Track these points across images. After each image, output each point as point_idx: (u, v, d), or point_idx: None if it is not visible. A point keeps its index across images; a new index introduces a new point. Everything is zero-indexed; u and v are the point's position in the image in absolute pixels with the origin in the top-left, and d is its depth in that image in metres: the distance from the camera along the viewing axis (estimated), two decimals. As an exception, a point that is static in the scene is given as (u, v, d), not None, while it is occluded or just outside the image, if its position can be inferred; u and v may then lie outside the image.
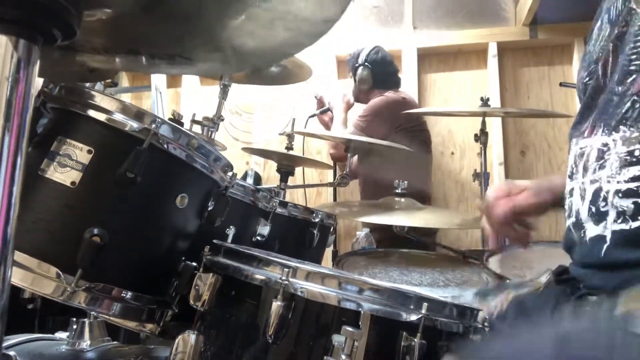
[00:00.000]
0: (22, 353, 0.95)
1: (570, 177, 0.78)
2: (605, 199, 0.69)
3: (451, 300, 0.84)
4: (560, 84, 2.62)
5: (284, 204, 1.28)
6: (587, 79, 0.80)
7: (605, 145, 0.71)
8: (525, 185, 0.94)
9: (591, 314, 0.66)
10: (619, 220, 0.66)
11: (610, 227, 0.67)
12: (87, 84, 0.96)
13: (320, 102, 2.80)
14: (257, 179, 2.61)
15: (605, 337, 0.49)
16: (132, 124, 0.83)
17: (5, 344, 0.96)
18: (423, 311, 0.72)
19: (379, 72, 2.58)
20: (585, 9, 2.63)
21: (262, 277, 0.77)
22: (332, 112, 2.73)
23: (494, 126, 2.82)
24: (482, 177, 2.19)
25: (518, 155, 2.89)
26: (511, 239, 0.97)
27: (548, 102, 2.91)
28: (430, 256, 1.62)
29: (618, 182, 0.67)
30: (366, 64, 2.58)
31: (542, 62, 2.96)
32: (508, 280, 1.27)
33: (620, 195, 0.67)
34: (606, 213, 0.68)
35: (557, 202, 0.91)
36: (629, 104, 0.68)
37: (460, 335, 0.77)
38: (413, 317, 0.72)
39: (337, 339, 0.69)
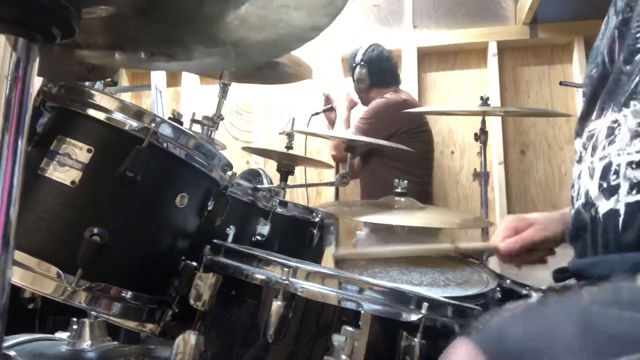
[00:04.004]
0: (22, 353, 0.95)
1: (579, 161, 0.77)
2: (616, 172, 0.66)
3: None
4: (561, 83, 2.62)
5: (283, 204, 1.28)
6: (594, 71, 0.79)
7: (615, 121, 0.69)
8: (534, 219, 0.95)
9: (611, 288, 0.64)
10: (634, 192, 0.64)
11: (623, 199, 0.65)
12: (87, 83, 0.96)
13: (327, 100, 2.79)
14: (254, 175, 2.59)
15: (631, 313, 0.47)
16: (132, 123, 0.83)
17: (5, 344, 0.96)
18: (423, 311, 0.72)
19: (376, 70, 2.57)
20: (585, 8, 2.63)
21: (263, 277, 0.77)
22: (335, 110, 2.73)
23: (494, 125, 2.82)
24: (482, 176, 2.19)
25: (518, 155, 2.89)
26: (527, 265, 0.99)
27: (548, 101, 2.91)
28: (430, 256, 1.62)
29: (629, 153, 0.65)
30: (362, 62, 2.57)
31: (542, 61, 2.96)
32: (507, 281, 1.26)
33: (633, 166, 0.64)
34: (618, 186, 0.66)
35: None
36: (637, 79, 0.67)
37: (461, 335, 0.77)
38: (413, 317, 0.72)
39: (337, 338, 0.69)
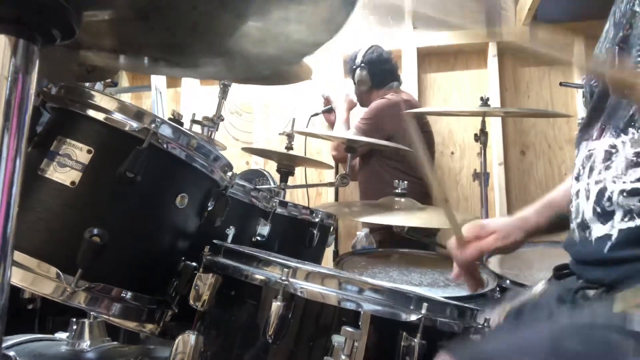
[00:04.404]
0: (22, 353, 0.95)
1: (577, 178, 0.79)
2: (609, 199, 0.69)
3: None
4: (561, 84, 2.62)
5: (283, 204, 1.28)
6: (594, 81, 0.80)
7: (613, 147, 0.71)
8: (495, 227, 0.97)
9: (588, 311, 0.66)
10: (626, 219, 0.67)
11: (617, 225, 0.68)
12: (87, 84, 0.96)
13: (327, 101, 2.79)
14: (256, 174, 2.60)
15: (601, 333, 0.49)
16: (132, 124, 0.83)
17: (5, 344, 0.96)
18: (423, 311, 0.72)
19: (376, 71, 2.57)
20: (585, 9, 2.63)
21: (262, 277, 0.77)
22: (334, 111, 2.73)
23: (494, 126, 2.82)
24: (482, 177, 2.19)
25: (518, 155, 2.89)
26: (468, 282, 1.01)
27: (548, 102, 2.91)
28: (430, 256, 1.62)
29: (624, 182, 0.68)
30: (362, 64, 2.57)
31: (542, 62, 2.96)
32: (507, 281, 1.26)
33: (625, 194, 0.67)
34: (612, 212, 0.69)
35: (532, 235, 0.95)
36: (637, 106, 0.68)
37: (460, 336, 0.77)
38: (413, 318, 0.72)
39: (337, 339, 0.69)
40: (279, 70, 1.40)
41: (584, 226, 0.74)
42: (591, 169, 0.74)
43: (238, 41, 0.55)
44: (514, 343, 0.54)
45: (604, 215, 0.70)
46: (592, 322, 0.54)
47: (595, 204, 0.72)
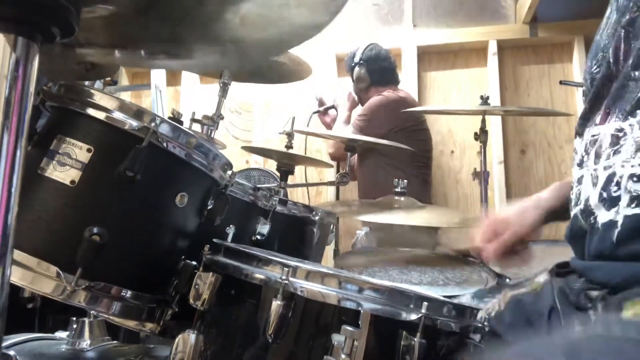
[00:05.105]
0: (22, 352, 0.95)
1: (580, 165, 0.76)
2: (618, 184, 0.66)
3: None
4: (561, 82, 2.62)
5: (283, 202, 1.28)
6: (596, 68, 0.78)
7: (621, 130, 0.68)
8: (510, 219, 0.97)
9: (600, 320, 0.64)
10: (633, 205, 0.64)
11: (622, 211, 0.65)
12: (87, 82, 0.96)
13: (321, 103, 2.80)
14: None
15: (617, 345, 0.47)
16: (132, 123, 0.83)
17: (5, 343, 0.96)
18: (423, 310, 0.72)
19: (375, 68, 2.58)
20: (585, 7, 2.63)
21: (262, 277, 0.77)
22: (336, 109, 2.73)
23: (494, 125, 2.81)
24: (482, 175, 2.19)
25: (518, 154, 2.89)
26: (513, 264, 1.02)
27: (548, 101, 2.91)
28: (429, 255, 1.62)
29: (632, 165, 0.65)
30: (361, 61, 2.58)
31: (542, 60, 2.96)
32: (507, 279, 1.26)
33: (635, 179, 0.64)
34: (618, 198, 0.66)
35: (549, 216, 0.96)
36: None
37: (460, 335, 0.77)
38: (413, 317, 0.72)
39: (337, 338, 0.69)
40: (279, 54, 1.39)
41: (588, 213, 0.71)
42: (597, 155, 0.72)
43: (238, 28, 0.55)
44: (532, 354, 0.53)
45: (610, 201, 0.67)
46: (607, 333, 0.52)
47: (602, 190, 0.69)
